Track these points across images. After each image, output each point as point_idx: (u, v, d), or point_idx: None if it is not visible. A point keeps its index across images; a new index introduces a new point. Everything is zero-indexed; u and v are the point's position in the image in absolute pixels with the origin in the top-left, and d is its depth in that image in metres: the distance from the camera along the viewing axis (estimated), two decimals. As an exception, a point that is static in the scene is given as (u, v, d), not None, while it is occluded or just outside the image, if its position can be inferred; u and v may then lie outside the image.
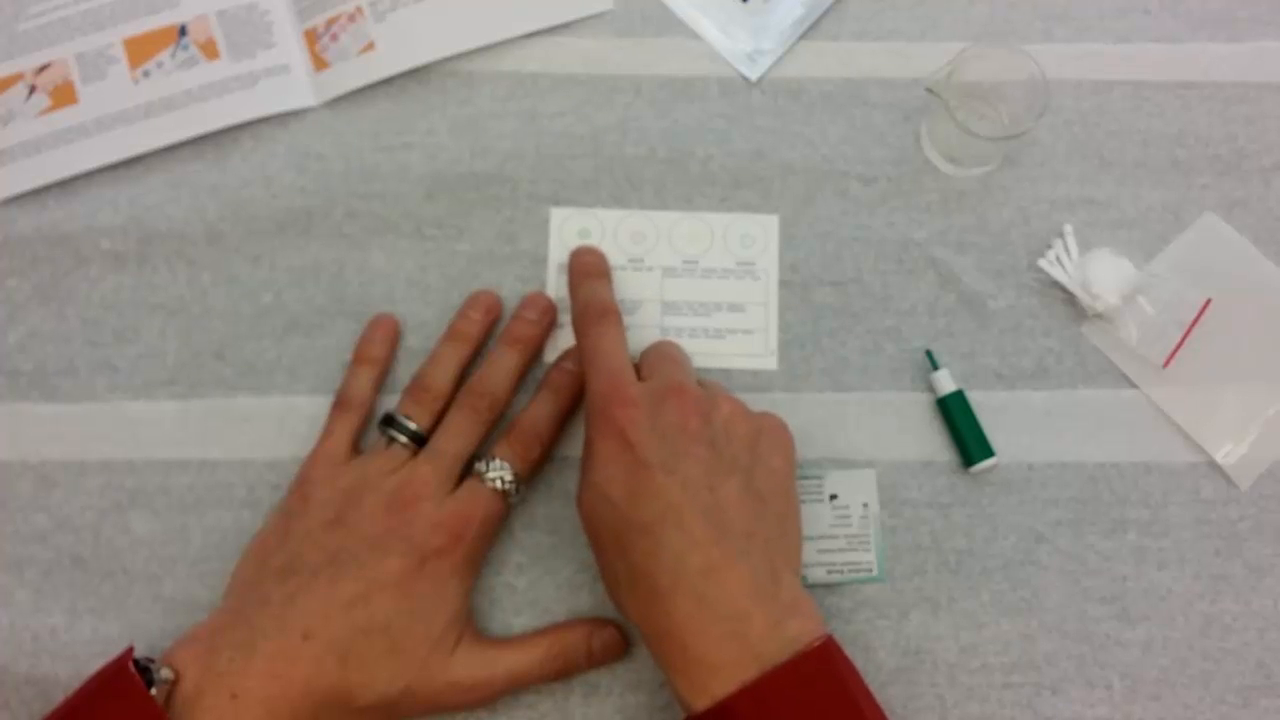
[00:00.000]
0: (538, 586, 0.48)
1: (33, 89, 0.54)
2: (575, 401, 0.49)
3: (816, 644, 0.37)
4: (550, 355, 0.50)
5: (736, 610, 0.37)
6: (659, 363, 0.45)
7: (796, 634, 0.38)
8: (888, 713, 0.43)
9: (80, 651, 0.46)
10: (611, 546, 0.40)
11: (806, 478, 0.49)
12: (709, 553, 0.38)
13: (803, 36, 0.55)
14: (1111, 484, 0.49)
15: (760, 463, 0.42)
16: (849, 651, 0.46)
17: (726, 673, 0.37)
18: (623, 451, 0.40)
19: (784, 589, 0.39)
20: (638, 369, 0.45)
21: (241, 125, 0.53)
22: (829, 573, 0.48)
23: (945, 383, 0.49)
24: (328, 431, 0.47)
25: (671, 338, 0.51)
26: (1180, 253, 0.52)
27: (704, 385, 0.45)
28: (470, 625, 0.44)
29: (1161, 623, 0.47)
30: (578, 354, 0.46)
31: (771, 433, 0.43)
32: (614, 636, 0.46)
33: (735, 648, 0.37)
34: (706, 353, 0.51)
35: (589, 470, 0.41)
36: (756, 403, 0.49)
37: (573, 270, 0.50)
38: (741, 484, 0.40)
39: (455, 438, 0.46)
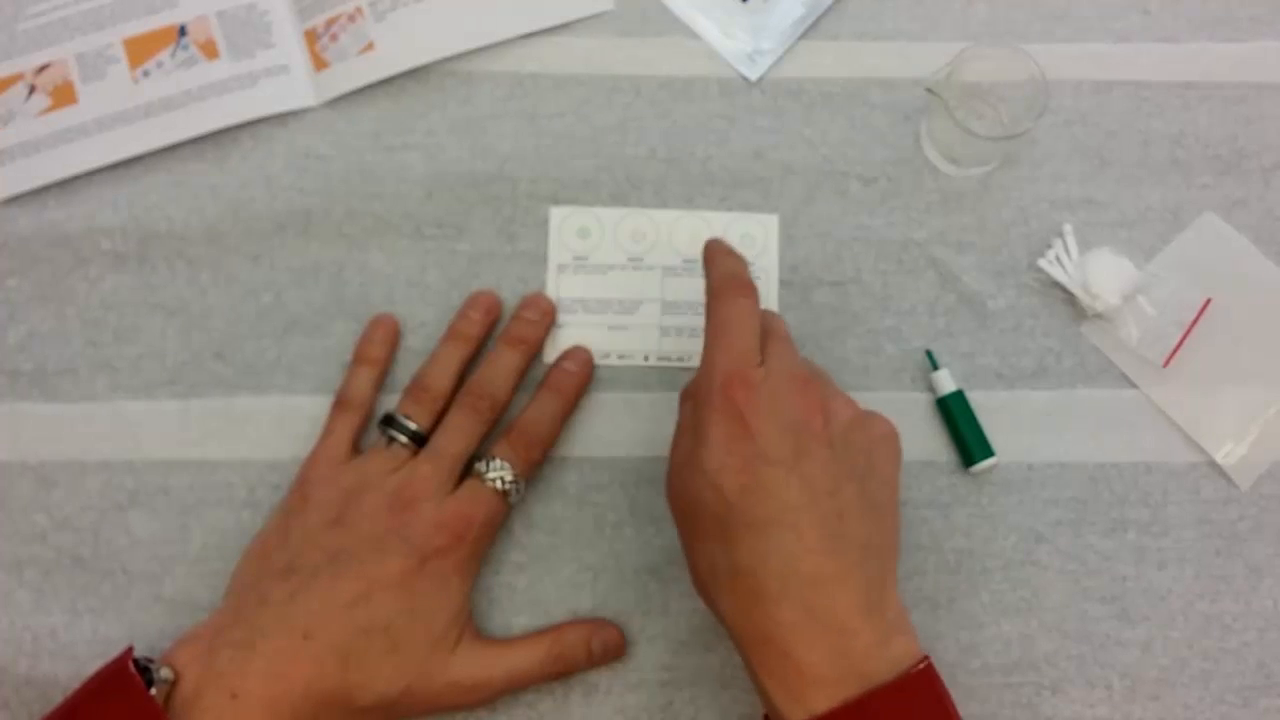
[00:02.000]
0: (538, 586, 0.47)
1: (33, 89, 0.53)
2: (575, 401, 0.49)
3: (920, 666, 0.36)
4: (550, 355, 0.50)
5: (844, 624, 0.35)
6: (772, 344, 0.41)
7: (901, 654, 0.36)
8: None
9: (80, 651, 0.46)
10: (713, 536, 0.37)
11: (806, 478, 0.49)
12: (822, 562, 0.36)
13: (803, 36, 0.55)
14: (1111, 484, 0.49)
15: (875, 471, 0.39)
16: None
17: (829, 688, 0.35)
18: (741, 438, 0.37)
19: (889, 605, 0.37)
20: None
21: (241, 125, 0.53)
22: (829, 573, 0.48)
23: (945, 383, 0.49)
24: (328, 431, 0.47)
25: (670, 338, 0.51)
26: (1180, 253, 0.52)
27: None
28: (470, 625, 0.44)
29: (1161, 623, 0.47)
30: (704, 323, 0.42)
31: (886, 440, 0.40)
32: (614, 637, 0.46)
33: (840, 663, 0.35)
34: (706, 353, 0.51)
35: (698, 449, 0.38)
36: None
37: (709, 252, 0.44)
38: (858, 491, 0.38)
39: (455, 438, 0.46)
